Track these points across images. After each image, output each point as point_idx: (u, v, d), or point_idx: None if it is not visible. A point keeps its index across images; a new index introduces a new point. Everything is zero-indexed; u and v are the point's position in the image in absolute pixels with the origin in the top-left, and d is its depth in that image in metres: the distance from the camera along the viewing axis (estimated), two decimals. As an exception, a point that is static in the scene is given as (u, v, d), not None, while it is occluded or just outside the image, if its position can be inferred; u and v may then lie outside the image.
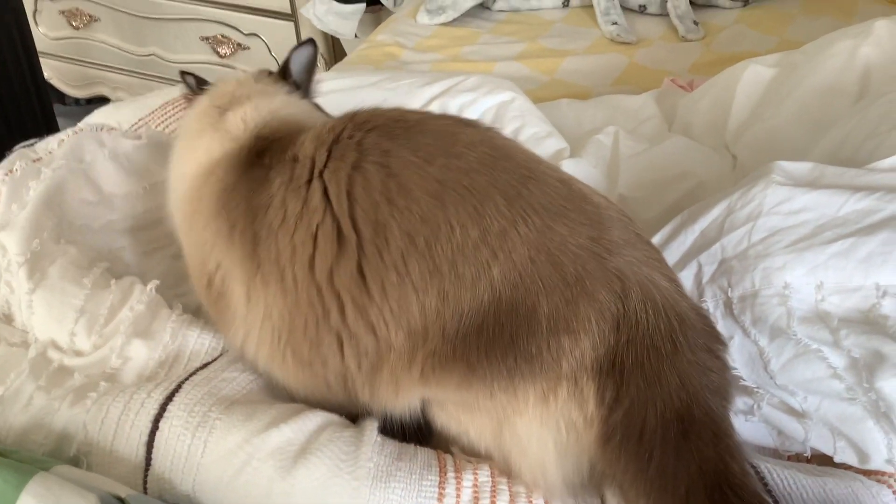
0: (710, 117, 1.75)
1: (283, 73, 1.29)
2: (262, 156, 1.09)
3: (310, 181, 1.01)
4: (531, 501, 0.97)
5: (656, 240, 1.20)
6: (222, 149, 1.15)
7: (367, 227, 0.96)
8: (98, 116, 1.75)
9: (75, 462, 1.07)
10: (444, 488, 0.97)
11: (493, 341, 0.90)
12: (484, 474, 0.99)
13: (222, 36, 3.15)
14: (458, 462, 1.00)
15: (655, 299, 0.91)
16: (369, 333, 0.97)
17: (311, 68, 1.31)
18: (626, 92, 2.07)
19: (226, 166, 1.12)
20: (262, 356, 1.08)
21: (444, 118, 1.05)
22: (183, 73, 1.35)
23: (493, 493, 0.97)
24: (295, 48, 1.28)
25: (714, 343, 0.96)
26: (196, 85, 1.32)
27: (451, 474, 0.98)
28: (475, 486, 0.98)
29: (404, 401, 1.02)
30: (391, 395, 1.00)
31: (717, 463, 0.87)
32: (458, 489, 0.97)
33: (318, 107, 1.31)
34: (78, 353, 1.19)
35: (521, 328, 0.89)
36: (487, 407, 0.95)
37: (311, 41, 1.29)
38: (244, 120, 1.16)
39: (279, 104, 1.21)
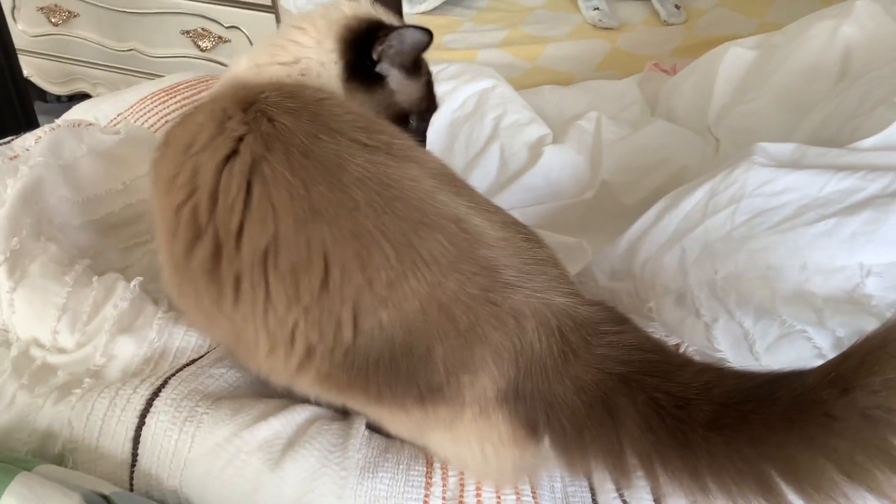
0: (692, 101, 1.75)
1: (364, 63, 1.18)
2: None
3: (187, 152, 0.98)
4: (517, 490, 0.97)
5: (640, 224, 1.20)
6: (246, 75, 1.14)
7: (222, 226, 0.94)
8: (76, 112, 1.73)
9: (60, 460, 1.06)
10: (430, 478, 0.96)
11: (393, 376, 0.90)
12: None
13: (203, 29, 3.13)
14: None
15: (549, 323, 0.90)
16: (224, 318, 0.97)
17: (410, 59, 1.20)
18: (609, 77, 2.07)
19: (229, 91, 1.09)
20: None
21: (336, 142, 0.95)
22: None
23: (480, 482, 0.97)
24: (402, 28, 1.16)
25: (620, 323, 0.94)
26: None
27: (437, 465, 0.98)
28: (462, 475, 0.98)
29: (303, 392, 1.03)
30: (281, 381, 1.01)
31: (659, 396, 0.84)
32: (444, 478, 0.97)
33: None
34: (61, 351, 1.18)
35: (418, 367, 0.89)
36: (403, 419, 0.96)
37: (426, 31, 1.16)
38: (272, 74, 1.13)
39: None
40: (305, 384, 0.98)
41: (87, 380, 1.11)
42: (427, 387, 0.90)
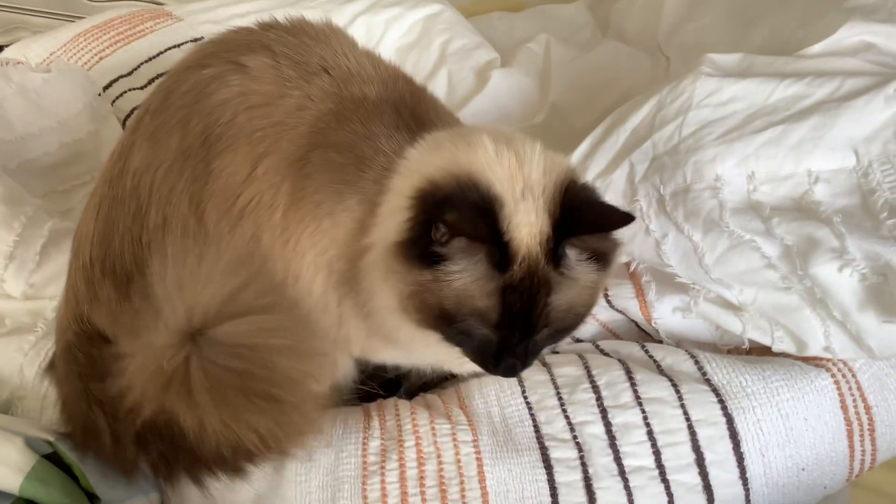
0: (642, 20, 1.72)
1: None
2: None
3: None
4: (451, 417, 0.99)
5: (588, 142, 1.18)
6: None
7: None
8: (7, 53, 1.67)
9: (7, 407, 1.05)
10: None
11: None
12: None
13: (144, -35, 3.03)
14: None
15: None
16: None
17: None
18: (561, 1, 2.03)
19: None
20: None
21: None
22: None
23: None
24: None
25: None
26: None
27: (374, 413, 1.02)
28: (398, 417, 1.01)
29: None
30: None
31: None
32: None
33: None
34: (9, 297, 1.16)
35: None
36: None
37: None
38: None
39: None
40: None
41: (41, 326, 1.09)
42: None
